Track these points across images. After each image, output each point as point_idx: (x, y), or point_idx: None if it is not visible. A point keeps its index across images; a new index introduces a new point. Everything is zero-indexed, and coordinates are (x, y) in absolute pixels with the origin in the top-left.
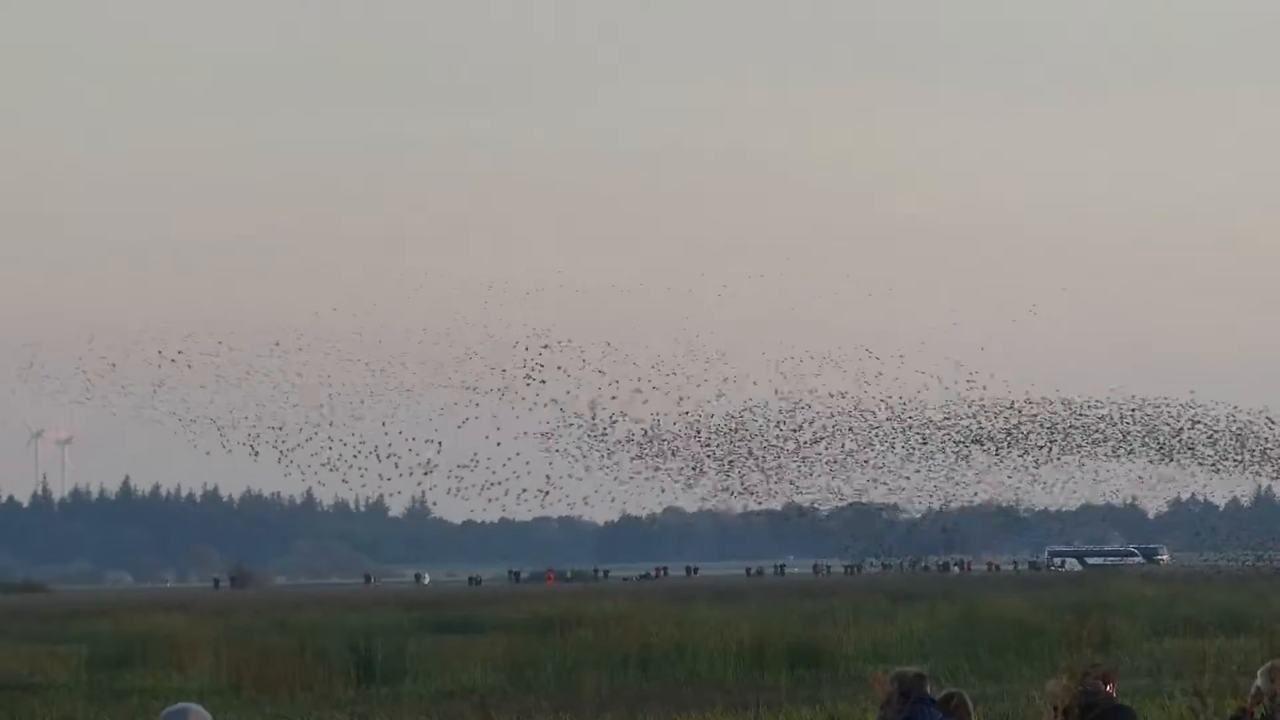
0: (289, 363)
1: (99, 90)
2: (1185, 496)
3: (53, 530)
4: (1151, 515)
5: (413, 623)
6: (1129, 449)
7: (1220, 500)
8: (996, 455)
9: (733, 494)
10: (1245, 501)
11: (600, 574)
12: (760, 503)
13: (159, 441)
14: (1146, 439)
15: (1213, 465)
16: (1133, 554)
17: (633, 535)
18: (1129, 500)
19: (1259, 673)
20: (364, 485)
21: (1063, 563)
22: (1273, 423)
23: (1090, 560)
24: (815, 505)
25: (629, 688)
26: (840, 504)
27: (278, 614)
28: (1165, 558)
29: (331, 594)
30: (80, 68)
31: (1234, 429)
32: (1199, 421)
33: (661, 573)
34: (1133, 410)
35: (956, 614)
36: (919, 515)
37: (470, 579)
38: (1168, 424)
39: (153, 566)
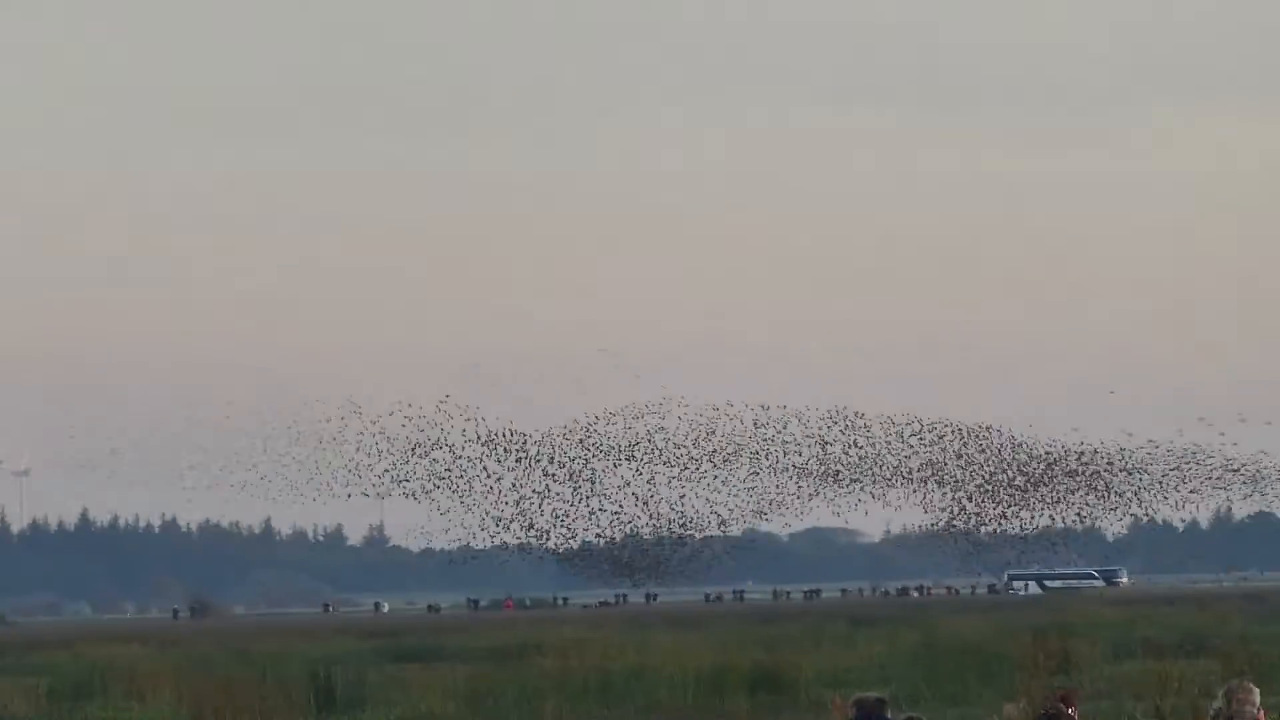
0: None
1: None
2: (1144, 519)
3: (12, 562)
4: (1110, 538)
5: (372, 651)
6: None
7: (1179, 522)
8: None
9: None
10: (1204, 523)
11: (559, 601)
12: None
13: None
14: None
15: None
16: (1092, 576)
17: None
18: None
19: (1219, 693)
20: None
21: (1024, 586)
22: None
23: (1049, 583)
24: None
25: (589, 715)
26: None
27: (238, 644)
28: (1125, 580)
29: (291, 623)
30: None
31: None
32: None
33: (621, 599)
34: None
35: (916, 638)
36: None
37: (429, 607)
38: None
39: (113, 597)
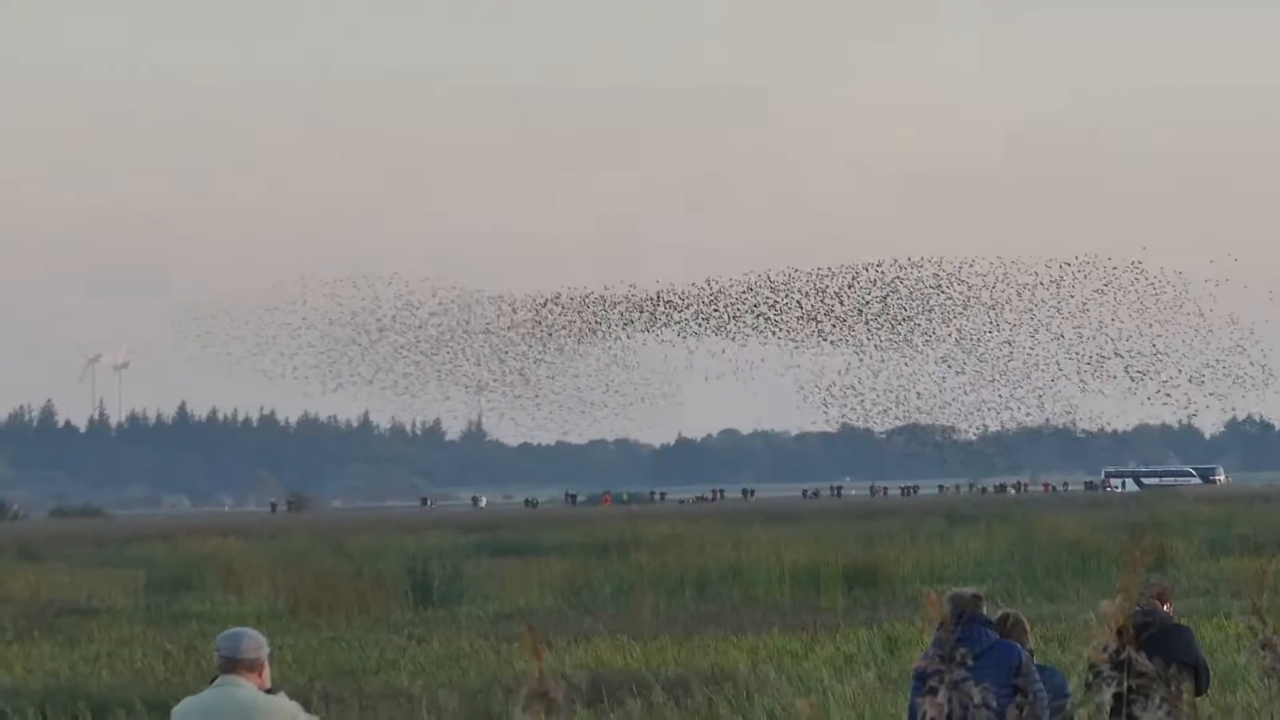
0: None
1: None
2: (1241, 417)
3: (110, 455)
4: (1208, 435)
5: (469, 545)
6: None
7: (1277, 420)
8: None
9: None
10: None
11: (656, 496)
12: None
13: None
14: None
15: None
16: (1189, 474)
17: (688, 457)
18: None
19: None
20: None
21: (1121, 483)
22: None
23: (1146, 481)
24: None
25: (685, 610)
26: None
27: (334, 538)
28: (1222, 478)
29: (388, 517)
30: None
31: None
32: None
33: (718, 495)
34: None
35: (1013, 535)
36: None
37: (526, 501)
38: None
39: (210, 491)
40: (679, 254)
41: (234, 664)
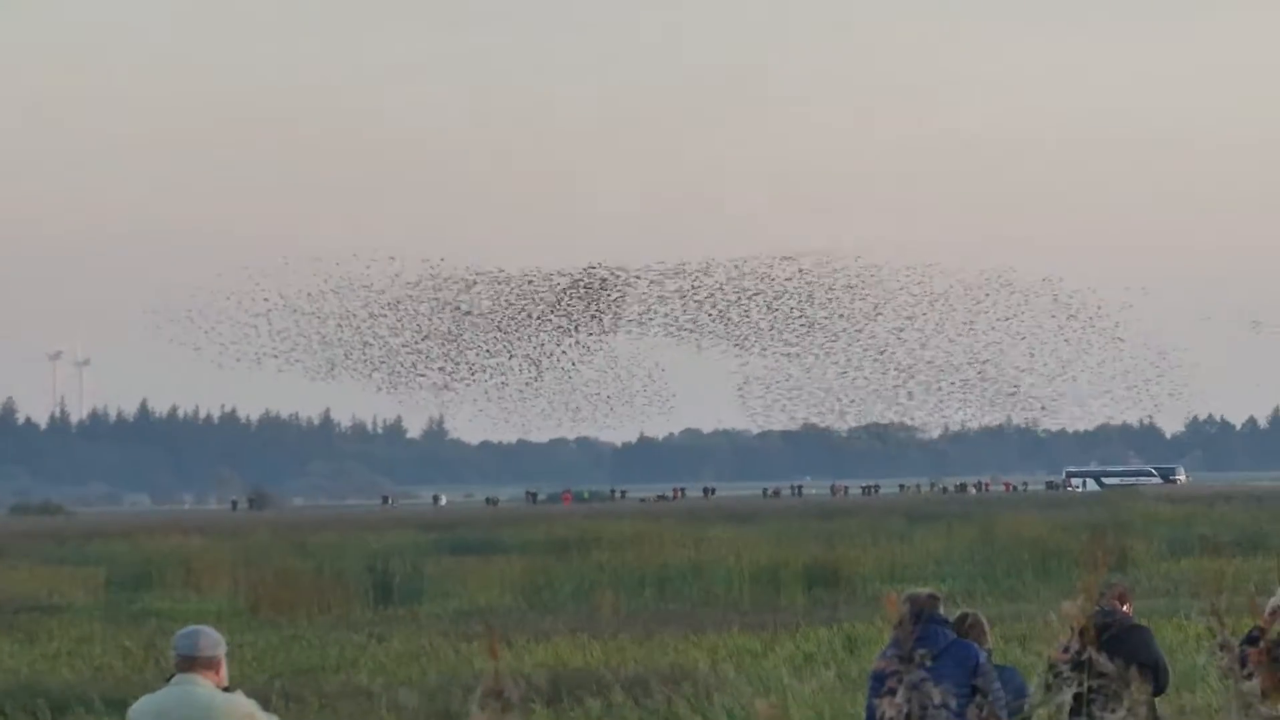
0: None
1: None
2: (1202, 416)
3: (71, 452)
4: (1169, 435)
5: (430, 544)
6: None
7: (1237, 420)
8: None
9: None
10: (1262, 422)
11: (617, 495)
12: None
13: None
14: None
15: None
16: (1150, 474)
17: (649, 456)
18: (1146, 420)
19: (1279, 590)
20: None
21: (1082, 483)
22: None
23: (1107, 480)
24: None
25: (645, 608)
26: (857, 424)
27: (295, 535)
28: (1182, 477)
29: (349, 515)
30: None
31: None
32: None
33: (678, 493)
34: None
35: (974, 535)
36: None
37: (487, 500)
38: None
39: (171, 488)
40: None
41: (191, 662)
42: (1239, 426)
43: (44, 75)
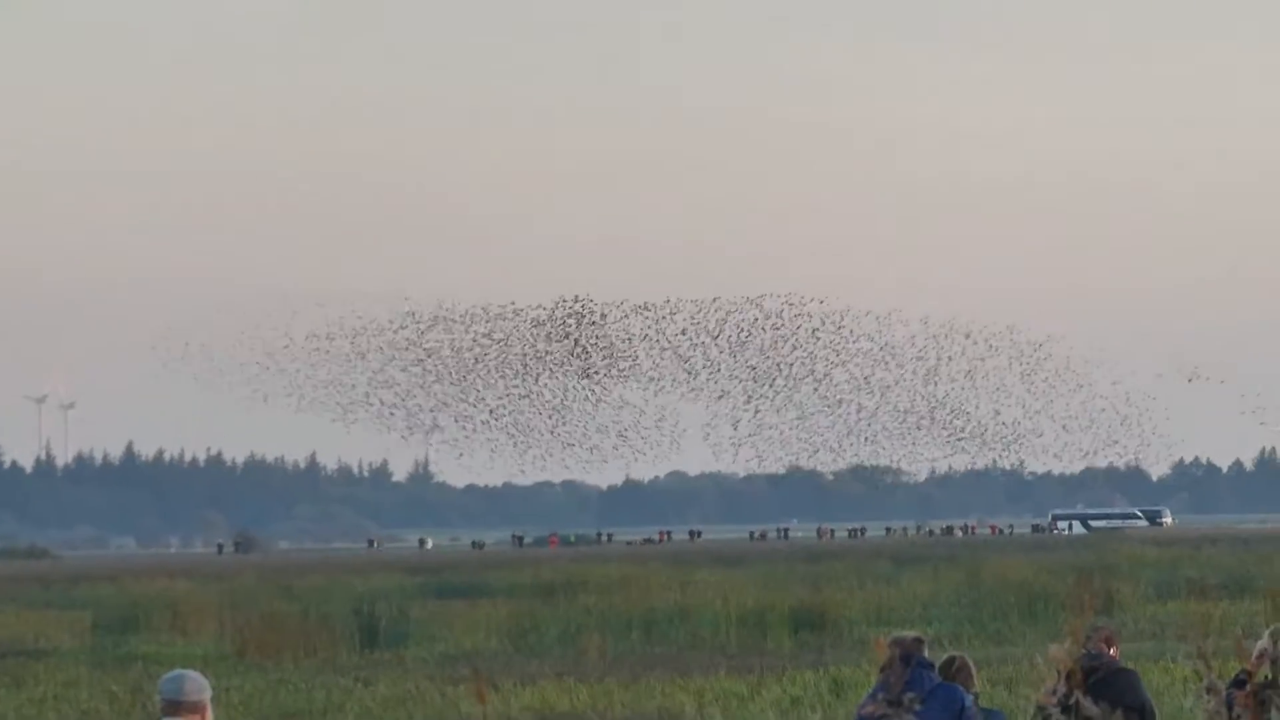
0: None
1: None
2: (1188, 459)
3: (57, 495)
4: (1155, 478)
5: (416, 587)
6: None
7: (1224, 463)
8: None
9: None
10: (1248, 464)
11: (603, 538)
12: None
13: (162, 404)
14: None
15: None
16: (1136, 516)
17: (635, 499)
18: (1132, 463)
19: (1265, 634)
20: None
21: (1069, 526)
22: None
23: (1094, 523)
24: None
25: (632, 652)
26: (843, 467)
27: (281, 579)
28: (1168, 520)
29: (335, 559)
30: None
31: None
32: None
33: (665, 536)
34: None
35: (960, 578)
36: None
37: (473, 543)
38: None
39: (157, 532)
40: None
41: (177, 706)
42: (1225, 469)
43: (25, 116)
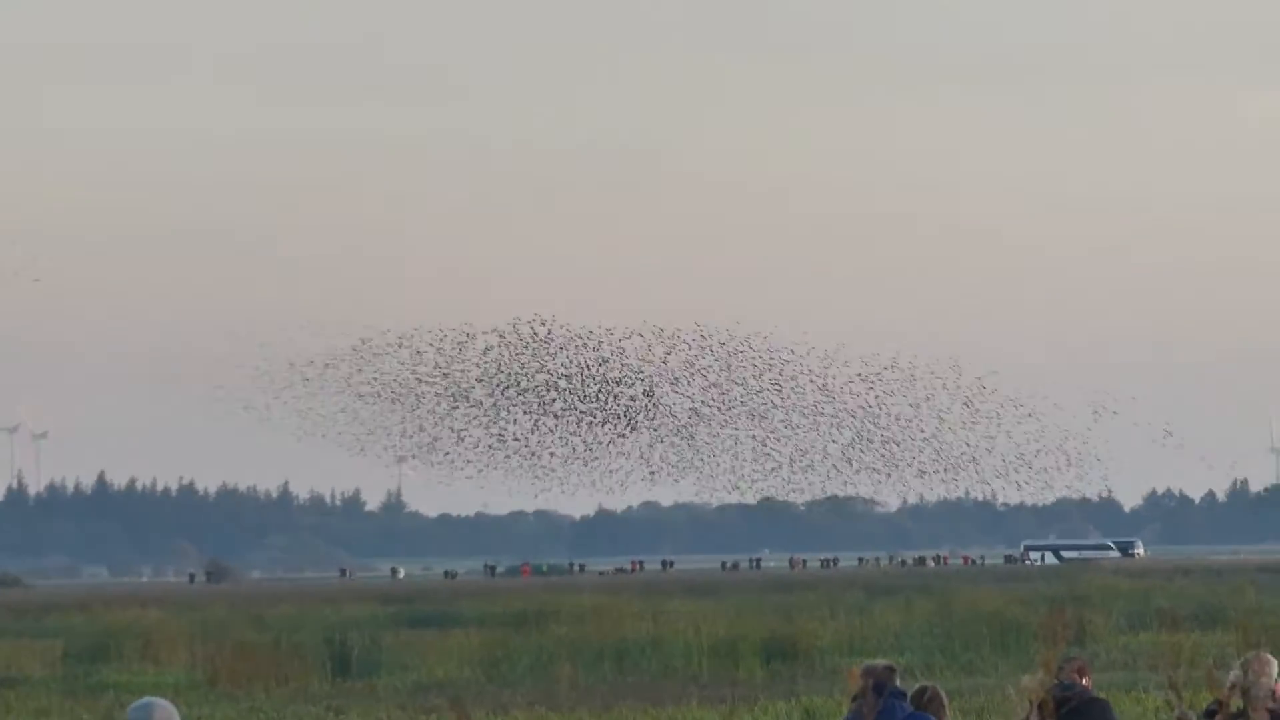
0: None
1: None
2: (1161, 490)
3: (29, 525)
4: (1128, 509)
5: (388, 617)
6: None
7: (1196, 494)
8: None
9: None
10: (1221, 496)
11: (576, 568)
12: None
13: (134, 434)
14: None
15: None
16: (1108, 547)
17: (608, 529)
18: (1105, 494)
19: (1237, 665)
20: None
21: (1041, 556)
22: None
23: (1066, 554)
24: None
25: (604, 682)
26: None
27: (253, 608)
28: (1140, 551)
29: (307, 588)
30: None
31: None
32: None
33: (637, 566)
34: None
35: (932, 608)
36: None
37: (446, 573)
38: None
39: (129, 561)
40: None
41: None
42: (1197, 500)
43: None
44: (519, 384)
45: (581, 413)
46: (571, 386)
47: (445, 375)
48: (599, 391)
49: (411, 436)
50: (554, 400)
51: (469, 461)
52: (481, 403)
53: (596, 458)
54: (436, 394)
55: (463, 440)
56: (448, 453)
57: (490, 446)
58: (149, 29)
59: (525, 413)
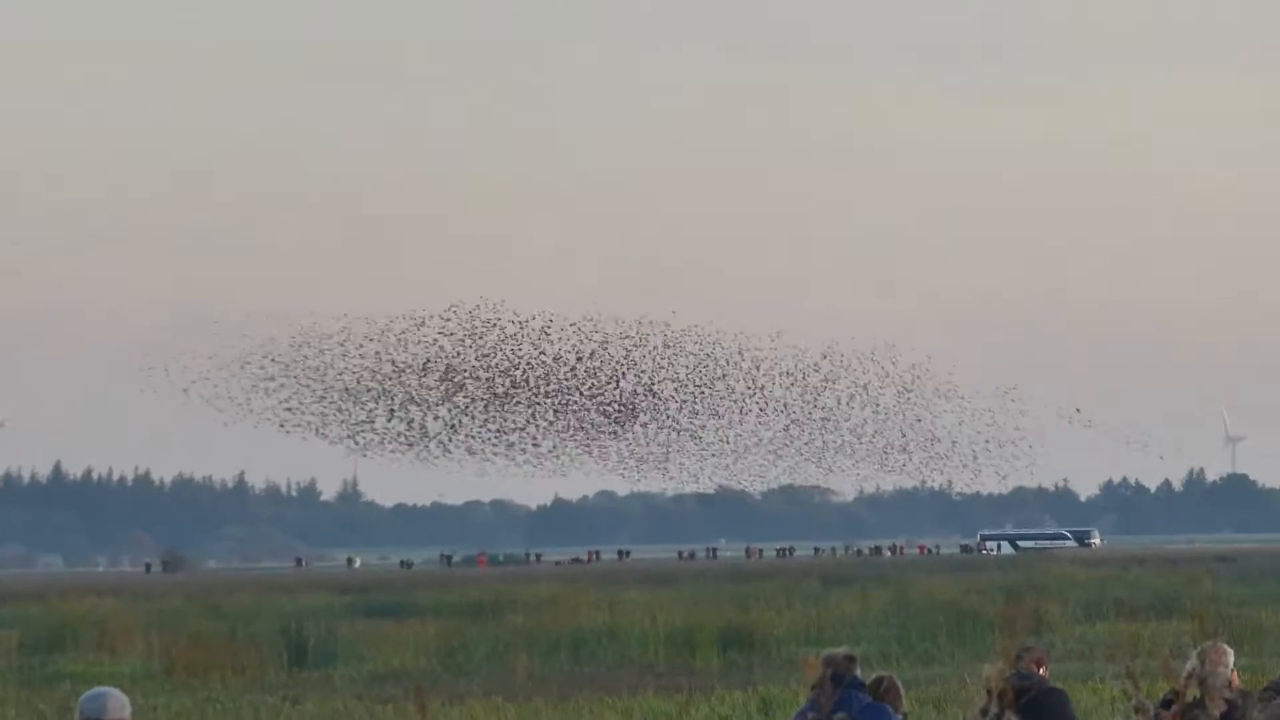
0: None
1: None
2: (1117, 480)
3: None
4: (1084, 498)
5: (344, 606)
6: None
7: (1152, 483)
8: None
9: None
10: (1177, 485)
11: (532, 557)
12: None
13: (90, 424)
14: None
15: None
16: (1065, 537)
17: (564, 518)
18: (1061, 483)
19: (1193, 654)
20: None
21: (997, 546)
22: None
23: (1022, 544)
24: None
25: (560, 672)
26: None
27: (209, 598)
28: (1097, 541)
29: (263, 578)
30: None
31: None
32: None
33: (593, 556)
34: None
35: (888, 598)
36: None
37: (402, 562)
38: None
39: (85, 551)
40: None
41: None
42: (1154, 490)
43: None
44: (458, 375)
45: (530, 404)
46: (524, 377)
47: (394, 365)
48: (542, 379)
49: (365, 426)
50: (506, 389)
51: (408, 448)
52: (430, 392)
53: (554, 449)
54: (386, 386)
55: (412, 427)
56: (397, 439)
57: (437, 434)
58: None
59: (472, 401)
